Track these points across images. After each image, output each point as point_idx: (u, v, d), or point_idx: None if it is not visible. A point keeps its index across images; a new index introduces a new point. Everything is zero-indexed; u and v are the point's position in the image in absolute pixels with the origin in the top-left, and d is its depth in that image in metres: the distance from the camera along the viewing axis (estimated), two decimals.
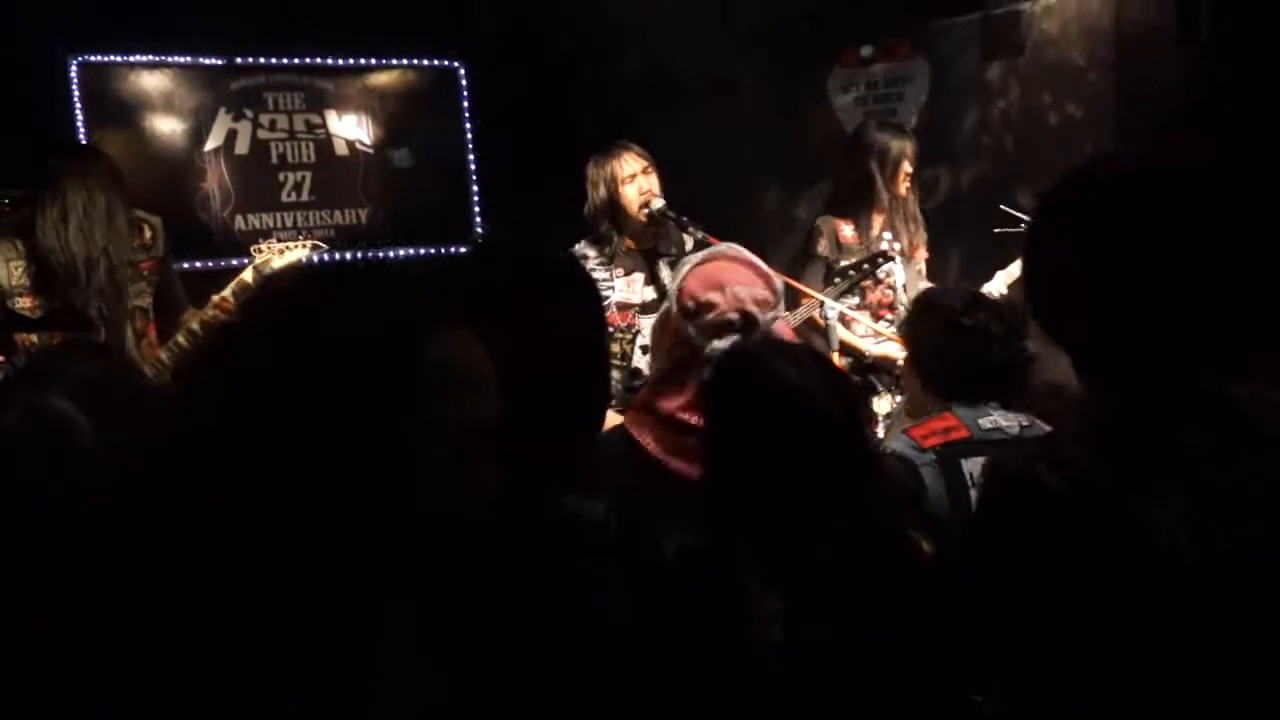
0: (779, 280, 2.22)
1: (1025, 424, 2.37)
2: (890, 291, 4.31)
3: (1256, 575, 1.21)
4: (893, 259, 4.09)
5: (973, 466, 2.28)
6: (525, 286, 1.45)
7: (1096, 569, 1.24)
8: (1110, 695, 1.24)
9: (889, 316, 4.26)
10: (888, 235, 4.25)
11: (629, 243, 4.09)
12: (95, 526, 1.55)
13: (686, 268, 2.16)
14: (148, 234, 3.88)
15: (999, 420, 2.36)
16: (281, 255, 3.86)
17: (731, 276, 2.14)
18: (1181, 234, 1.34)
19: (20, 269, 3.59)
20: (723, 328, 1.99)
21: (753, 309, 2.06)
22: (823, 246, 4.36)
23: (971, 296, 2.56)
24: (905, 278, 4.22)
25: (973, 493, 2.25)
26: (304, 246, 3.97)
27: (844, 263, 4.21)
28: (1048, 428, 2.40)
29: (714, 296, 2.06)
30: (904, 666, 1.57)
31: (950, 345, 2.45)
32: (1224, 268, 1.33)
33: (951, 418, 2.37)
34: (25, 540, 1.53)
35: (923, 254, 4.50)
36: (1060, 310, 1.41)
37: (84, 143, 5.20)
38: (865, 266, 4.07)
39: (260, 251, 3.89)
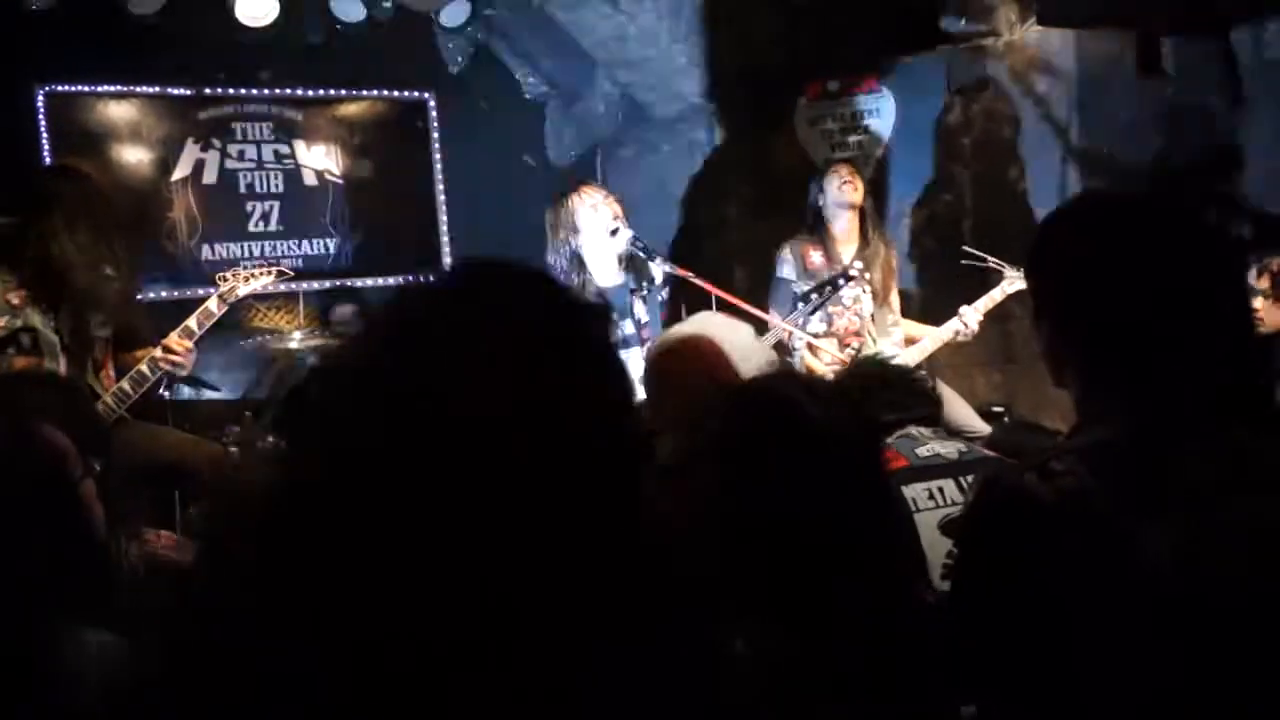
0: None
1: (964, 449, 2.42)
2: (857, 319, 4.35)
3: (1237, 608, 1.23)
4: (853, 278, 4.10)
5: (914, 493, 2.31)
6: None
7: (1082, 581, 1.25)
8: (1092, 708, 1.26)
9: (855, 344, 4.29)
10: (858, 264, 4.29)
11: (600, 281, 3.99)
12: None
13: (664, 344, 2.16)
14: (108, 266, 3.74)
15: (936, 448, 2.40)
16: (246, 283, 3.83)
17: (716, 363, 2.12)
18: (1186, 265, 1.38)
19: None
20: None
21: None
22: (787, 270, 4.42)
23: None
24: (874, 316, 4.28)
25: (918, 518, 2.26)
26: (268, 274, 3.94)
27: (805, 288, 4.24)
28: (986, 452, 2.49)
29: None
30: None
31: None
32: (1222, 300, 1.38)
33: (890, 450, 2.38)
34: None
35: (895, 297, 4.54)
36: (1063, 340, 1.44)
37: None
38: (827, 289, 4.07)
39: (225, 280, 3.83)
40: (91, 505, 1.68)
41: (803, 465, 1.65)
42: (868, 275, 4.30)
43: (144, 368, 3.62)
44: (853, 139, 5.70)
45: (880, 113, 5.61)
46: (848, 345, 4.29)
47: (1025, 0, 4.95)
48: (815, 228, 4.46)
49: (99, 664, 1.49)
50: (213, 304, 3.71)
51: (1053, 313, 1.45)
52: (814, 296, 4.05)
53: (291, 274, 4.31)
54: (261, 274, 3.87)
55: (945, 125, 5.32)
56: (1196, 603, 1.23)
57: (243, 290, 3.79)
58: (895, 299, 4.52)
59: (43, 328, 3.55)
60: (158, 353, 3.61)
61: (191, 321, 3.68)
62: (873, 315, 4.35)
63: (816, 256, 4.41)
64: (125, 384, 3.64)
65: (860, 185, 4.40)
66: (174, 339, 3.64)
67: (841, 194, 4.37)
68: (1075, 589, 1.26)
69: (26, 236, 3.55)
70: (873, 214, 4.47)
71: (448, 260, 6.61)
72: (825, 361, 4.27)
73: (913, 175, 5.46)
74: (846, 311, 4.36)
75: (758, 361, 2.00)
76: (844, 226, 4.42)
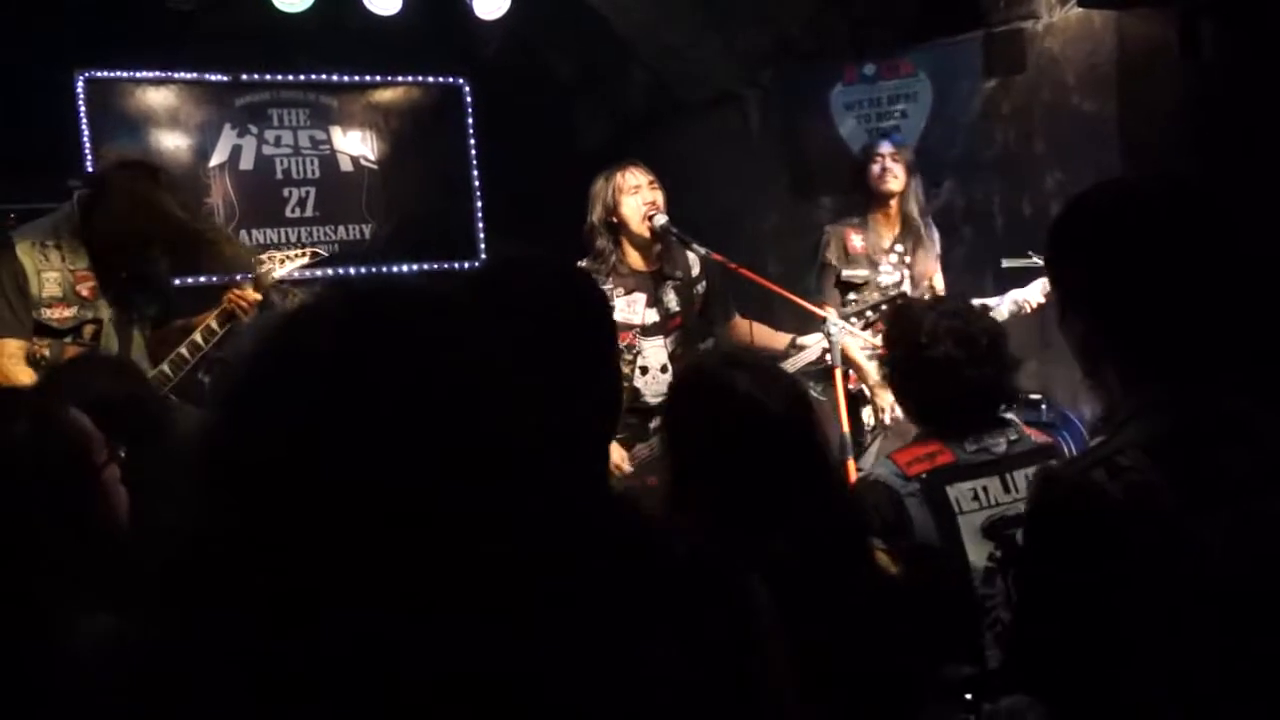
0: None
1: (1013, 438, 2.35)
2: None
3: None
4: (906, 297, 4.05)
5: (958, 493, 2.24)
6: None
7: (1154, 577, 1.25)
8: (1154, 705, 1.25)
9: None
10: (899, 248, 4.28)
11: (633, 263, 3.98)
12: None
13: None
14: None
15: (985, 439, 2.32)
16: (282, 264, 3.82)
17: None
18: (1216, 251, 1.37)
19: (54, 279, 3.56)
20: None
21: None
22: (829, 254, 4.41)
23: (936, 321, 2.39)
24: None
25: (960, 520, 2.22)
26: (304, 256, 3.94)
27: (847, 272, 4.29)
28: (1039, 439, 2.41)
29: None
30: (848, 664, 1.62)
31: (919, 379, 2.40)
32: (1259, 287, 1.37)
33: (936, 441, 2.33)
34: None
35: (937, 279, 4.50)
36: (1098, 333, 1.42)
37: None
38: (883, 307, 4.00)
39: (261, 263, 3.82)
40: (114, 490, 1.69)
41: (731, 429, 1.82)
42: (907, 260, 4.30)
43: (214, 322, 3.66)
44: (888, 123, 5.65)
45: (916, 97, 5.56)
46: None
47: None
48: (858, 212, 4.44)
49: (115, 648, 1.50)
50: (249, 287, 3.72)
51: (1086, 306, 1.43)
52: (870, 314, 3.98)
53: (326, 254, 4.31)
54: (297, 255, 3.88)
55: (982, 109, 5.25)
56: (1253, 595, 1.23)
57: (278, 273, 3.79)
58: (939, 283, 4.48)
59: (109, 320, 3.59)
60: (241, 301, 3.66)
61: (249, 281, 3.74)
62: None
63: (858, 241, 4.39)
64: (198, 336, 3.66)
65: (902, 173, 4.35)
66: (249, 291, 3.69)
67: (883, 181, 4.35)
68: (1148, 584, 1.25)
69: (88, 220, 3.58)
70: (917, 199, 4.43)
71: (482, 245, 6.63)
72: (859, 347, 4.22)
73: (948, 159, 5.41)
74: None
75: None
76: (885, 212, 4.40)
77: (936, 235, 4.56)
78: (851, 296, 4.36)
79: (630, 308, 3.91)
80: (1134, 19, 4.68)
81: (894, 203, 4.39)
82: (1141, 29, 4.68)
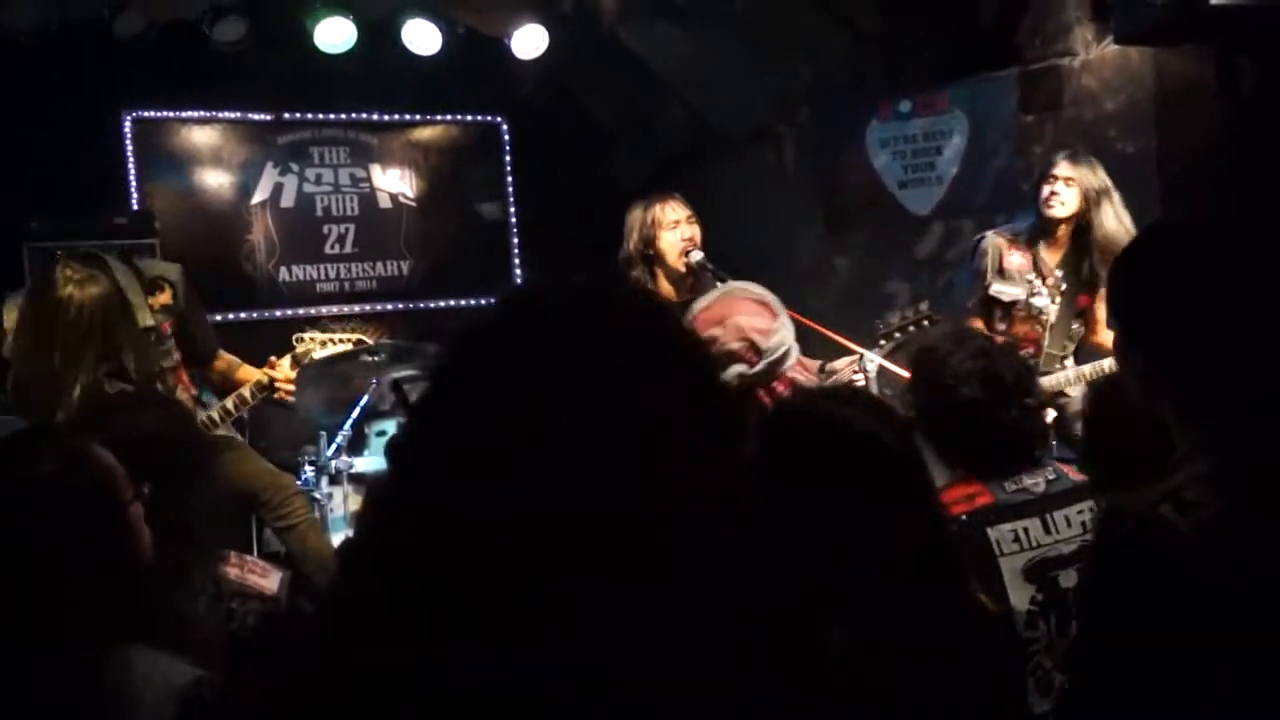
0: (782, 310, 2.25)
1: (1051, 478, 2.28)
2: (1039, 327, 4.23)
3: None
4: (931, 318, 3.93)
5: (999, 535, 2.17)
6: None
7: (1223, 617, 1.23)
8: None
9: (1029, 351, 4.12)
10: (1059, 272, 4.18)
11: (665, 295, 3.99)
12: None
13: (692, 312, 2.21)
14: (165, 294, 3.75)
15: (1023, 479, 2.26)
16: (322, 346, 3.86)
17: (731, 309, 2.18)
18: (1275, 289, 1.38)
19: None
20: (727, 358, 2.02)
21: (754, 336, 2.10)
22: (981, 263, 4.28)
23: (961, 362, 2.32)
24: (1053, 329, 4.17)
25: (1001, 563, 2.15)
26: (348, 342, 3.97)
27: (997, 288, 4.18)
28: (1076, 478, 2.35)
29: (715, 331, 2.10)
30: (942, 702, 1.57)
31: (947, 422, 2.32)
32: None
33: (976, 482, 2.27)
34: None
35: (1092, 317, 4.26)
36: (1159, 370, 1.42)
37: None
38: (911, 329, 3.93)
39: (302, 341, 3.87)
40: (138, 529, 1.70)
41: (836, 463, 1.74)
42: (1062, 286, 4.17)
43: (246, 391, 3.73)
44: (924, 160, 5.65)
45: (952, 134, 5.56)
46: (1024, 350, 4.07)
47: (1102, 18, 4.87)
48: (1030, 229, 4.27)
49: (147, 682, 1.52)
50: (286, 363, 3.79)
51: (1148, 341, 1.44)
52: (897, 335, 3.90)
53: (370, 342, 4.28)
54: (340, 341, 3.92)
55: (1018, 146, 5.25)
56: None
57: (317, 354, 3.85)
58: (1090, 321, 4.28)
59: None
60: (276, 380, 3.73)
61: (287, 359, 3.79)
62: (1052, 327, 4.23)
63: (1015, 258, 4.23)
64: (229, 402, 3.73)
65: (1069, 200, 4.11)
66: (286, 370, 3.76)
67: (1048, 206, 4.15)
68: (1218, 623, 1.23)
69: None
70: (1102, 227, 4.09)
71: (518, 282, 6.68)
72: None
73: (984, 196, 5.40)
74: (1030, 319, 4.23)
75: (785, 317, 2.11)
76: (1052, 237, 4.22)
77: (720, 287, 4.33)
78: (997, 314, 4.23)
79: None
80: (1171, 56, 4.66)
81: (1064, 229, 4.18)
82: (1179, 65, 4.66)
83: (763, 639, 0.86)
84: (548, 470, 0.81)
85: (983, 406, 2.27)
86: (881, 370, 3.81)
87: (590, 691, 0.80)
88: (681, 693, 0.81)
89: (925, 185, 5.63)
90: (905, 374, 3.96)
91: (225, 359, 3.95)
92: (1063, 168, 4.12)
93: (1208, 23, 4.23)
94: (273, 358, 3.80)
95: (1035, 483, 2.27)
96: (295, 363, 3.79)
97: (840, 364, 3.90)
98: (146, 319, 3.60)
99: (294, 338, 3.90)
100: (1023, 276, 4.21)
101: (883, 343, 3.90)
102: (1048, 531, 2.21)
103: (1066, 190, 4.11)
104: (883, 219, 5.75)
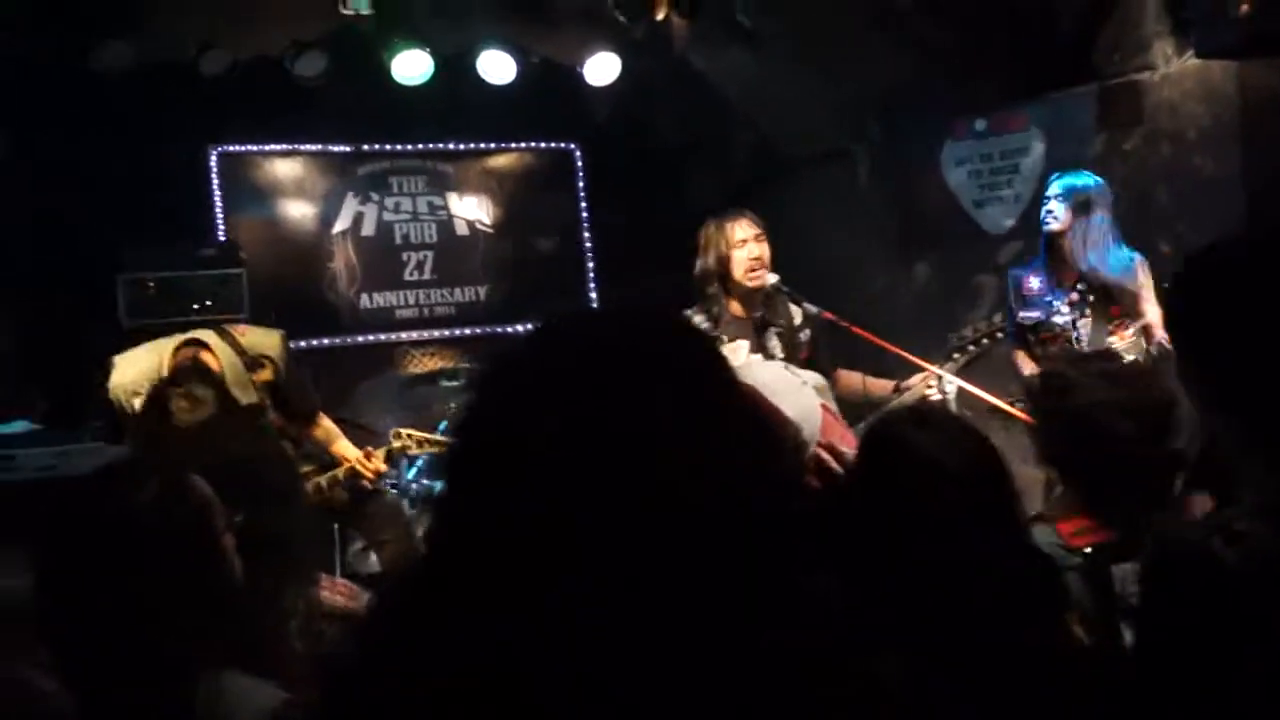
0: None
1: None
2: (1069, 343, 4.28)
3: None
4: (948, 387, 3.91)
5: (1122, 573, 2.05)
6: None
7: (1270, 648, 1.21)
8: None
9: None
10: (1080, 288, 4.28)
11: (737, 311, 4.10)
12: None
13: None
14: (267, 370, 3.76)
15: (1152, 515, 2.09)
16: (419, 447, 4.00)
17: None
18: None
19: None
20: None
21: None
22: (1011, 297, 4.48)
23: (1096, 393, 2.17)
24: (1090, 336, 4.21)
25: (1120, 603, 2.03)
26: (440, 448, 4.05)
27: (1022, 314, 4.35)
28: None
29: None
30: None
31: (1088, 458, 2.16)
32: None
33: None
34: None
35: (1151, 314, 4.22)
36: (1214, 393, 1.39)
37: None
38: (984, 341, 3.97)
39: (399, 436, 4.00)
40: (231, 557, 1.74)
41: (920, 487, 1.72)
42: (1089, 298, 4.26)
43: (339, 473, 3.89)
44: (1002, 178, 5.59)
45: (1028, 151, 5.49)
46: None
47: (1183, 32, 4.78)
48: (1042, 252, 4.43)
49: (239, 707, 1.55)
50: (379, 462, 3.92)
51: (1201, 371, 1.41)
52: (971, 348, 3.92)
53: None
54: (432, 444, 4.04)
55: (1096, 164, 5.16)
56: None
57: (412, 452, 3.98)
58: (1153, 317, 4.21)
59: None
60: (367, 472, 3.90)
61: (381, 452, 3.93)
62: (1089, 340, 4.24)
63: (1033, 282, 4.42)
64: (323, 481, 3.90)
65: (1063, 213, 4.27)
66: (379, 463, 3.91)
67: (1045, 223, 4.35)
68: (1265, 654, 1.21)
69: None
70: (1087, 238, 4.25)
71: (594, 304, 6.73)
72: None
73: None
74: (1058, 338, 4.31)
75: (793, 398, 2.00)
76: (1058, 254, 4.34)
77: (1139, 271, 4.28)
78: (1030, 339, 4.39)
79: (734, 354, 3.96)
80: (1255, 68, 4.56)
81: (1063, 243, 4.29)
82: (1263, 78, 4.56)
83: (781, 654, 0.87)
84: (564, 480, 0.86)
85: (1130, 442, 2.12)
86: (960, 390, 3.80)
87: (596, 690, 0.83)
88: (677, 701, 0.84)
89: (1002, 204, 5.57)
90: (982, 393, 3.95)
91: (324, 426, 4.03)
92: (1054, 186, 4.35)
93: None
94: (369, 448, 3.94)
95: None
96: (389, 459, 3.93)
97: (914, 380, 3.88)
98: (250, 397, 3.63)
99: (391, 434, 4.03)
100: (1041, 299, 4.37)
101: (956, 356, 3.91)
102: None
103: (1058, 205, 4.28)
104: (958, 238, 5.70)
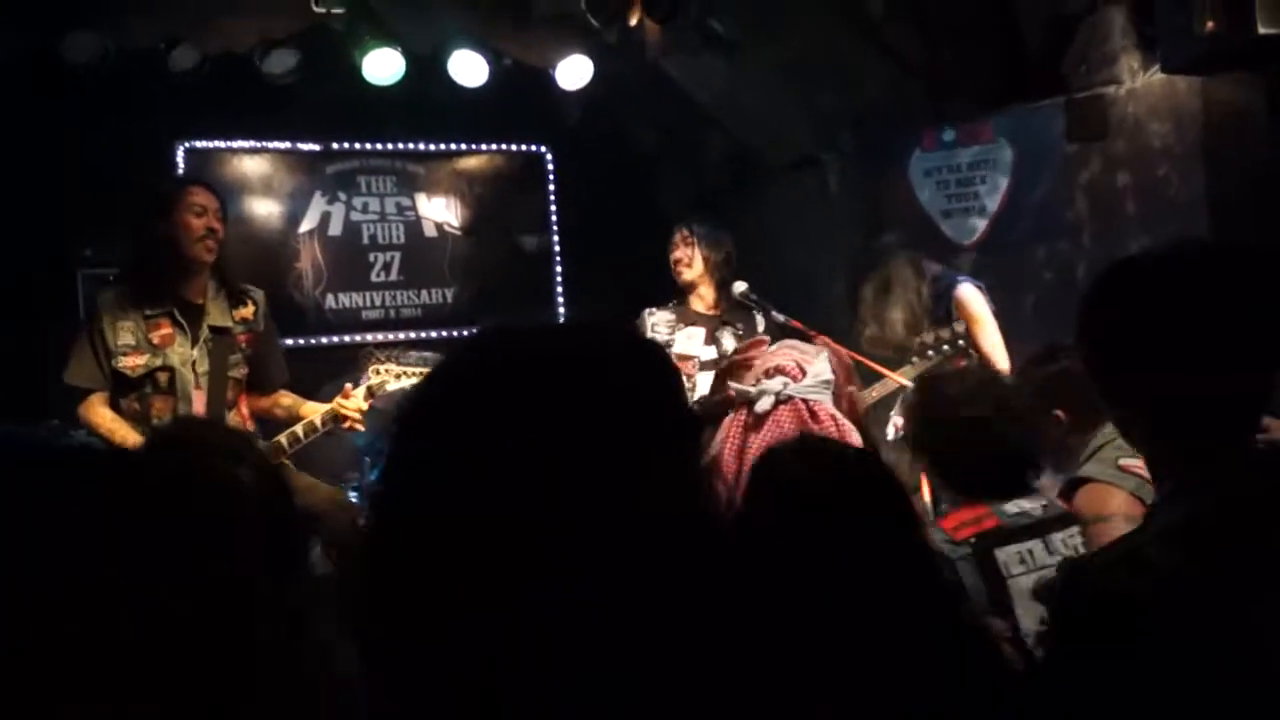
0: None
1: (1044, 503, 2.34)
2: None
3: None
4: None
5: (1006, 557, 2.22)
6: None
7: (1192, 672, 1.20)
8: None
9: None
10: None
11: (698, 307, 4.59)
12: None
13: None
14: (249, 308, 3.94)
15: (1023, 504, 2.31)
16: (397, 379, 3.87)
17: (783, 346, 2.70)
18: (1234, 320, 1.33)
19: (128, 327, 3.67)
20: (776, 370, 2.52)
21: (802, 360, 2.53)
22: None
23: (968, 386, 2.48)
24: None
25: (1010, 584, 2.19)
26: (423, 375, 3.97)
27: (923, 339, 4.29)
28: (1063, 506, 2.42)
29: (763, 350, 2.61)
30: None
31: (955, 444, 2.39)
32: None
33: (981, 505, 2.31)
34: None
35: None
36: (1121, 407, 1.40)
37: None
38: (945, 348, 4.03)
39: (378, 373, 3.86)
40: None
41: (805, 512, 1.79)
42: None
43: (317, 420, 3.77)
44: (969, 189, 5.63)
45: (996, 163, 5.53)
46: None
47: (1149, 47, 4.83)
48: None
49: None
50: (360, 394, 3.79)
51: (1103, 383, 1.42)
52: (930, 353, 4.04)
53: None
54: (414, 372, 3.90)
55: (1063, 176, 5.21)
56: None
57: (391, 386, 3.87)
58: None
59: (180, 366, 3.69)
60: (348, 410, 3.75)
61: (361, 389, 3.80)
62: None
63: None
64: (299, 429, 3.76)
65: (692, 258, 4.62)
66: (359, 400, 3.77)
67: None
68: (1186, 681, 1.20)
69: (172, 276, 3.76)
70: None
71: (561, 309, 6.72)
72: None
73: (1031, 227, 5.36)
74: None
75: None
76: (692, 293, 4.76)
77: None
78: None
79: (690, 340, 4.51)
80: (1219, 84, 4.61)
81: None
82: (1227, 94, 4.62)
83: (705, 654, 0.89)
84: (487, 479, 0.88)
85: (989, 425, 2.35)
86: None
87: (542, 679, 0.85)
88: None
89: (969, 215, 5.61)
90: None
91: (290, 396, 3.99)
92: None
93: (1256, 51, 4.18)
94: (348, 386, 3.81)
95: (1034, 506, 2.33)
96: (370, 394, 3.80)
97: (875, 391, 3.94)
98: (225, 320, 3.82)
99: (370, 368, 3.89)
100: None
101: (915, 360, 3.97)
102: (1050, 553, 2.25)
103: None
104: (926, 248, 5.73)
